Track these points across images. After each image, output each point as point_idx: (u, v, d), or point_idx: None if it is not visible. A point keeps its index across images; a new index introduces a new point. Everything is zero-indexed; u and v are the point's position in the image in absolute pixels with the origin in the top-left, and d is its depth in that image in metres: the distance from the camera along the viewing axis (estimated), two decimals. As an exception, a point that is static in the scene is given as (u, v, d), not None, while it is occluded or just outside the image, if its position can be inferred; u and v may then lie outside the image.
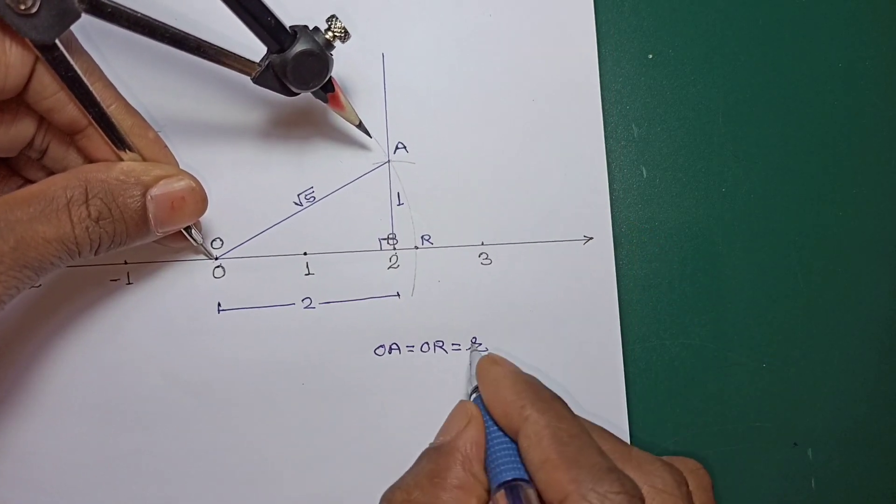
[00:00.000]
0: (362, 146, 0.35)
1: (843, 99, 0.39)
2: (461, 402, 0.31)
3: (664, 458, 0.28)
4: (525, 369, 0.34)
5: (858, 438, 0.38)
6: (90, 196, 0.27)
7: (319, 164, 0.35)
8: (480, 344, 0.35)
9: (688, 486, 0.26)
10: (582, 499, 0.24)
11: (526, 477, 0.27)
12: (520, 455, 0.27)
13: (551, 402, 0.28)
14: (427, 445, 0.30)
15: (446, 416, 0.32)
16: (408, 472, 0.29)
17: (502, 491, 0.26)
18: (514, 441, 0.28)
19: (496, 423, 0.29)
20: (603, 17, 0.37)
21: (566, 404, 0.28)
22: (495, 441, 0.28)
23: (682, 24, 0.38)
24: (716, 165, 0.38)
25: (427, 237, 0.35)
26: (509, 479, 0.26)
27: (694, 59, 0.38)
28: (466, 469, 0.27)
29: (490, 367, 0.31)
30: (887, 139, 0.39)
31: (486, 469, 0.28)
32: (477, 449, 0.28)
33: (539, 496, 0.26)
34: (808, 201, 0.38)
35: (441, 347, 0.35)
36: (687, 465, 0.28)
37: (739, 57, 0.38)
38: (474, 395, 0.32)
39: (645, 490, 0.25)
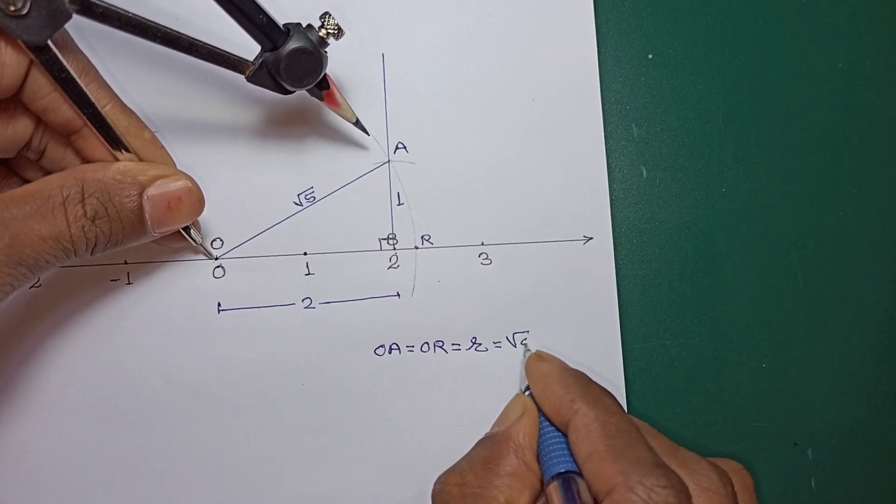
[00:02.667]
0: (362, 146, 0.34)
1: (843, 99, 0.38)
2: (517, 395, 0.31)
3: (708, 458, 0.28)
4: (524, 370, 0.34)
5: (858, 438, 0.37)
6: (86, 195, 0.26)
7: (319, 164, 0.34)
8: (527, 341, 0.34)
9: (733, 487, 0.26)
10: (629, 490, 0.24)
11: (577, 469, 0.27)
12: (570, 449, 0.27)
13: (600, 396, 0.28)
14: (482, 435, 0.31)
15: (447, 417, 0.32)
16: (463, 458, 0.29)
17: (555, 482, 0.26)
18: (565, 435, 0.28)
19: (547, 418, 0.29)
20: (603, 17, 0.37)
21: (615, 399, 0.28)
22: (547, 434, 0.28)
23: (682, 24, 0.38)
24: (716, 165, 0.37)
25: (427, 237, 0.34)
26: (562, 470, 0.27)
27: (694, 59, 0.37)
28: (520, 457, 0.28)
29: (538, 364, 0.31)
30: (887, 139, 0.38)
31: (538, 460, 0.28)
32: (530, 439, 0.28)
33: (588, 488, 0.26)
34: (808, 201, 0.38)
35: (441, 347, 0.34)
36: (730, 466, 0.28)
37: (739, 57, 0.38)
38: (527, 394, 0.31)
39: (691, 488, 0.25)
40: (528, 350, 0.34)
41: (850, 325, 0.37)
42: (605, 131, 0.36)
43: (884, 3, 0.39)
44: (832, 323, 0.37)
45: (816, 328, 0.37)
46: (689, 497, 0.24)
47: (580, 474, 0.26)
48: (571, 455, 0.27)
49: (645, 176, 0.37)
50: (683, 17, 0.38)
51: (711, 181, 0.37)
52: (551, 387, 0.29)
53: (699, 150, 0.37)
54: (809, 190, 0.38)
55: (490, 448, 0.28)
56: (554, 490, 0.26)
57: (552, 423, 0.29)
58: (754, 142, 0.38)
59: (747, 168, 0.37)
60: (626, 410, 0.28)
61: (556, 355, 0.34)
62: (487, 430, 0.31)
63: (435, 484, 0.28)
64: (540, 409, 0.29)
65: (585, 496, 0.26)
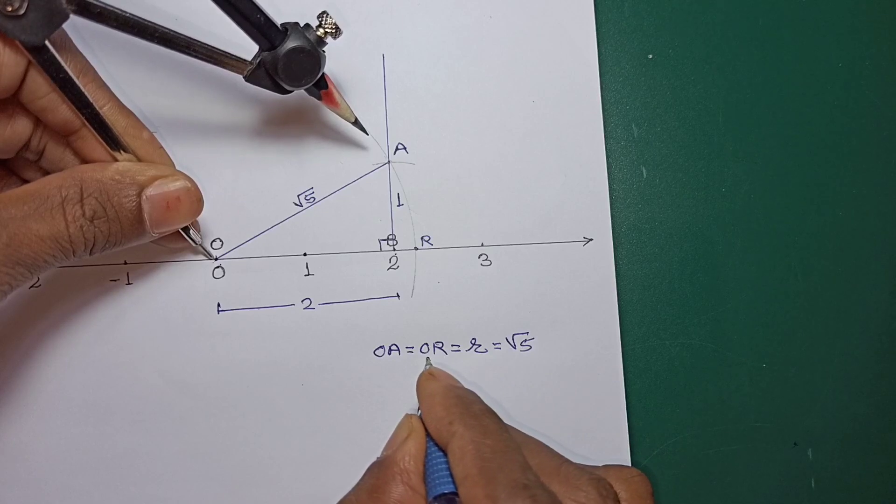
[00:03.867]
0: (362, 147, 0.34)
1: (843, 99, 0.38)
2: (405, 415, 0.31)
3: (600, 468, 0.28)
4: (524, 371, 0.34)
5: (858, 438, 0.37)
6: (85, 195, 0.26)
7: (319, 164, 0.34)
8: (428, 357, 0.34)
9: (615, 499, 0.26)
10: None
11: (456, 490, 0.26)
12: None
13: (479, 418, 0.27)
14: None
15: None
16: (352, 490, 0.28)
17: (434, 502, 0.26)
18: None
19: (431, 438, 0.29)
20: (603, 17, 0.36)
21: (497, 419, 0.28)
22: (432, 455, 0.28)
23: (682, 24, 0.37)
24: (716, 165, 0.37)
25: (427, 238, 0.34)
26: (444, 491, 0.26)
27: (694, 59, 0.37)
28: (405, 482, 0.27)
29: (426, 383, 0.31)
30: (887, 139, 0.38)
31: (425, 481, 0.28)
32: (416, 463, 0.28)
33: None
34: (808, 201, 0.37)
35: (441, 348, 0.34)
36: (623, 475, 0.28)
37: (739, 57, 0.37)
38: (420, 411, 0.31)
39: (567, 503, 0.25)
40: (429, 366, 0.33)
41: (850, 325, 0.37)
42: (605, 132, 0.36)
43: (884, 3, 0.39)
44: (832, 323, 0.37)
45: (816, 328, 0.37)
46: None
47: (458, 495, 0.26)
48: (452, 477, 0.27)
49: (645, 176, 0.37)
50: (683, 17, 0.37)
51: (711, 181, 0.37)
52: (434, 407, 0.29)
53: (699, 150, 0.37)
54: (809, 190, 0.37)
55: (377, 475, 0.28)
56: None
57: (436, 444, 0.28)
58: (754, 142, 0.37)
59: (747, 168, 0.37)
60: (510, 431, 0.28)
61: (556, 356, 0.34)
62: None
63: None
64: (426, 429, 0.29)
65: None
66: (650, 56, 0.37)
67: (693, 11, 0.37)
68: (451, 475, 0.26)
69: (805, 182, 0.37)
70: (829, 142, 0.38)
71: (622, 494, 0.27)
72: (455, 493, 0.26)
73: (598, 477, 0.26)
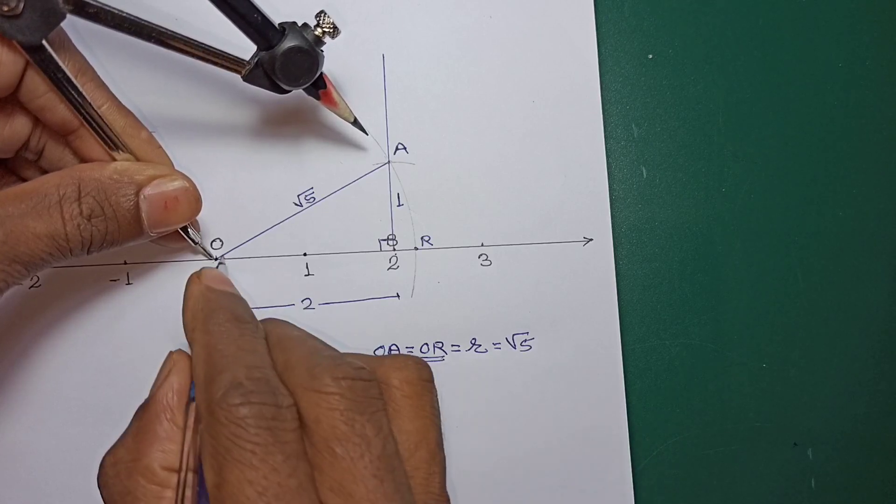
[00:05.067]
0: (362, 147, 0.34)
1: (843, 99, 0.38)
2: (168, 352, 0.29)
3: (373, 358, 0.27)
4: (524, 371, 0.34)
5: (858, 438, 0.37)
6: (83, 194, 0.26)
7: (319, 164, 0.34)
8: (221, 261, 0.33)
9: (361, 381, 0.24)
10: (210, 416, 0.23)
11: None
12: None
13: (221, 324, 0.26)
14: None
15: (446, 418, 0.31)
16: (120, 437, 0.27)
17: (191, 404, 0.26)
18: None
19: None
20: (603, 17, 0.36)
21: (240, 325, 0.26)
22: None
23: (682, 24, 0.37)
24: (716, 165, 0.37)
25: (427, 238, 0.34)
26: (192, 396, 0.26)
27: (694, 59, 0.37)
28: (169, 419, 0.26)
29: (188, 286, 0.28)
30: (887, 139, 0.38)
31: None
32: (179, 397, 0.26)
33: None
34: (808, 201, 0.37)
35: (441, 348, 0.34)
36: (395, 363, 0.27)
37: (739, 57, 0.37)
38: None
39: (304, 395, 0.24)
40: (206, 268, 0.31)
41: (850, 325, 0.37)
42: (605, 132, 0.35)
43: (884, 3, 0.38)
44: (832, 323, 0.37)
45: (816, 328, 0.37)
46: (280, 405, 0.23)
47: None
48: None
49: (645, 176, 0.36)
50: (683, 17, 0.37)
51: (711, 181, 0.37)
52: (185, 312, 0.27)
53: (699, 150, 0.37)
54: (809, 190, 0.37)
55: (141, 417, 0.26)
56: (190, 412, 0.26)
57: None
58: (754, 142, 0.37)
59: (747, 168, 0.37)
60: (259, 329, 0.26)
61: (555, 356, 0.34)
62: (486, 431, 0.31)
63: (99, 468, 0.26)
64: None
65: None
66: (650, 56, 0.37)
67: (693, 11, 0.37)
68: None
69: (805, 182, 0.37)
70: (829, 142, 0.37)
71: (389, 379, 0.26)
72: None
73: (337, 363, 0.25)
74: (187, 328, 0.27)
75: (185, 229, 0.31)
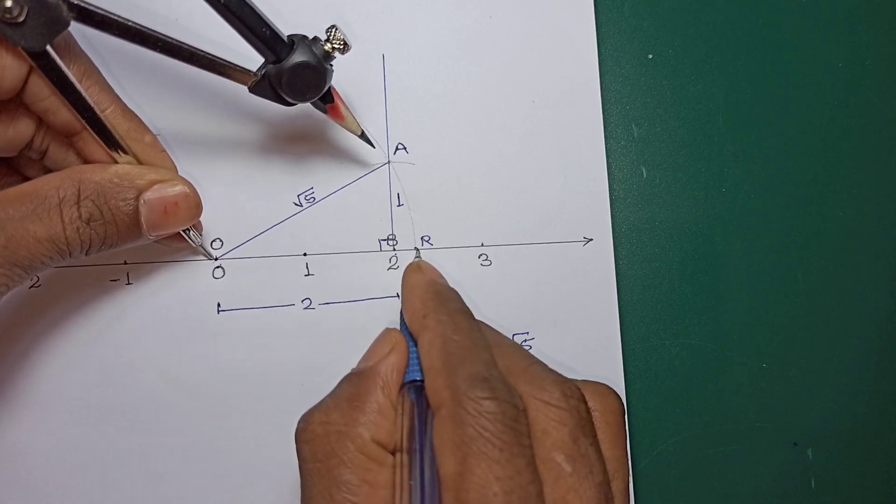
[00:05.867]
0: (362, 147, 0.34)
1: (843, 99, 0.38)
2: (385, 329, 0.29)
3: (572, 380, 0.27)
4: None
5: (858, 438, 0.37)
6: (82, 197, 0.26)
7: (319, 164, 0.34)
8: (419, 252, 0.33)
9: (584, 403, 0.25)
10: (456, 405, 0.23)
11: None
12: None
13: (453, 314, 0.26)
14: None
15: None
16: (328, 396, 0.27)
17: (408, 389, 0.26)
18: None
19: (406, 329, 0.28)
20: (603, 17, 0.36)
21: (471, 318, 0.27)
22: (411, 346, 0.28)
23: (682, 24, 0.37)
24: (716, 165, 0.36)
25: (427, 238, 0.34)
26: (409, 378, 0.26)
27: (694, 59, 0.37)
28: (386, 395, 0.26)
29: (410, 275, 0.30)
30: (887, 139, 0.38)
31: None
32: (398, 375, 0.27)
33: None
34: (808, 201, 0.37)
35: (440, 349, 0.33)
36: (598, 389, 0.27)
37: (739, 57, 0.37)
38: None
39: (531, 402, 0.24)
40: (418, 258, 0.33)
41: (850, 325, 0.37)
42: (605, 132, 0.35)
43: (884, 3, 0.38)
44: (832, 323, 0.37)
45: (816, 328, 0.37)
46: (518, 408, 0.23)
47: None
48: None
49: (645, 176, 0.36)
50: (683, 17, 0.37)
51: (711, 181, 0.36)
52: (413, 300, 0.28)
53: (699, 150, 0.37)
54: (809, 190, 0.37)
55: (357, 385, 0.26)
56: (404, 395, 0.26)
57: (410, 336, 0.28)
58: (754, 142, 0.37)
59: (747, 168, 0.37)
60: (483, 328, 0.27)
61: (556, 356, 0.34)
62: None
63: (298, 423, 0.26)
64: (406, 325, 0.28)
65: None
66: (650, 56, 0.37)
67: (693, 11, 0.37)
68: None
69: (805, 182, 0.37)
70: (829, 142, 0.37)
71: (593, 405, 0.26)
72: (422, 381, 0.26)
73: (564, 379, 0.25)
74: (416, 315, 0.27)
75: (185, 230, 0.31)
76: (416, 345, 0.27)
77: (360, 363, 0.28)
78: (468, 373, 0.23)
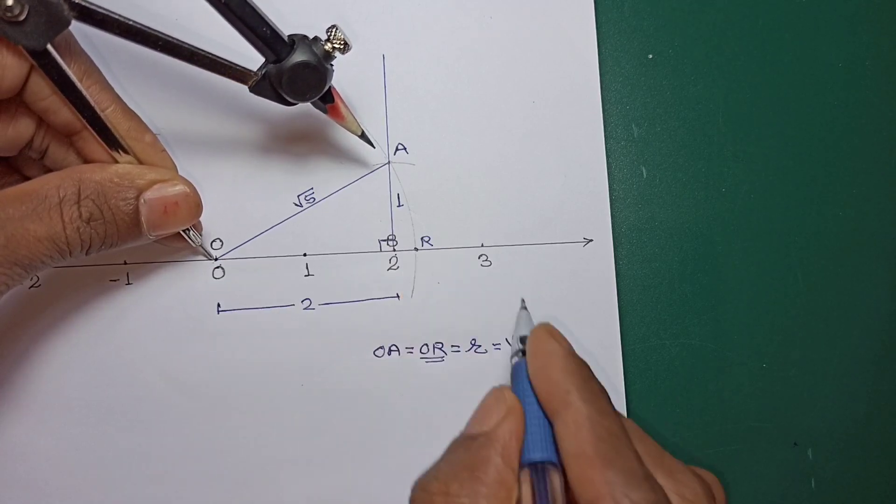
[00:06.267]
0: (362, 147, 0.34)
1: (843, 99, 0.37)
2: (496, 389, 0.28)
3: (691, 467, 0.27)
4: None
5: (858, 438, 0.36)
6: (82, 197, 0.26)
7: (319, 165, 0.34)
8: (525, 302, 0.33)
9: (714, 499, 0.25)
10: (615, 502, 0.22)
11: (556, 461, 0.25)
12: (554, 438, 0.25)
13: (598, 395, 0.26)
14: (458, 434, 0.28)
15: (446, 419, 0.31)
16: (443, 461, 0.26)
17: (528, 470, 0.25)
18: (551, 423, 0.26)
19: (537, 399, 0.26)
20: (603, 17, 0.36)
21: (610, 400, 0.26)
22: (531, 416, 0.26)
23: (682, 24, 0.37)
24: (716, 165, 0.36)
25: (427, 238, 0.34)
26: (538, 459, 0.25)
27: (694, 59, 0.37)
28: (507, 463, 0.25)
29: (545, 339, 0.28)
30: (887, 139, 0.38)
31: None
32: (517, 441, 0.25)
33: (565, 485, 0.24)
34: (808, 201, 0.37)
35: (440, 349, 0.33)
36: (708, 478, 0.27)
37: (739, 57, 0.37)
38: (516, 360, 0.29)
39: (674, 499, 0.24)
40: (525, 310, 0.32)
41: (850, 325, 0.37)
42: (605, 132, 0.35)
43: (884, 3, 0.38)
44: (832, 323, 0.37)
45: (816, 328, 0.36)
46: None
47: (556, 465, 0.25)
48: (553, 444, 0.25)
49: (645, 176, 0.36)
50: (683, 17, 0.37)
51: (711, 181, 0.36)
52: (550, 370, 0.26)
53: (699, 150, 0.36)
54: (809, 190, 0.37)
55: (475, 452, 0.25)
56: (526, 477, 0.25)
57: (540, 406, 0.26)
58: (754, 142, 0.37)
59: (747, 168, 0.37)
60: (619, 413, 0.27)
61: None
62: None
63: (414, 489, 0.26)
64: (531, 388, 0.27)
65: (557, 490, 0.24)
66: (650, 56, 0.37)
67: (693, 11, 0.37)
68: (553, 445, 0.25)
69: (805, 182, 0.37)
70: (829, 142, 0.37)
71: (717, 495, 0.26)
72: (553, 464, 0.24)
73: (700, 475, 0.25)
74: (556, 388, 0.26)
75: (185, 230, 0.31)
76: (545, 417, 0.26)
77: (471, 425, 0.27)
78: (625, 467, 0.23)
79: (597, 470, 0.23)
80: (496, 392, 0.27)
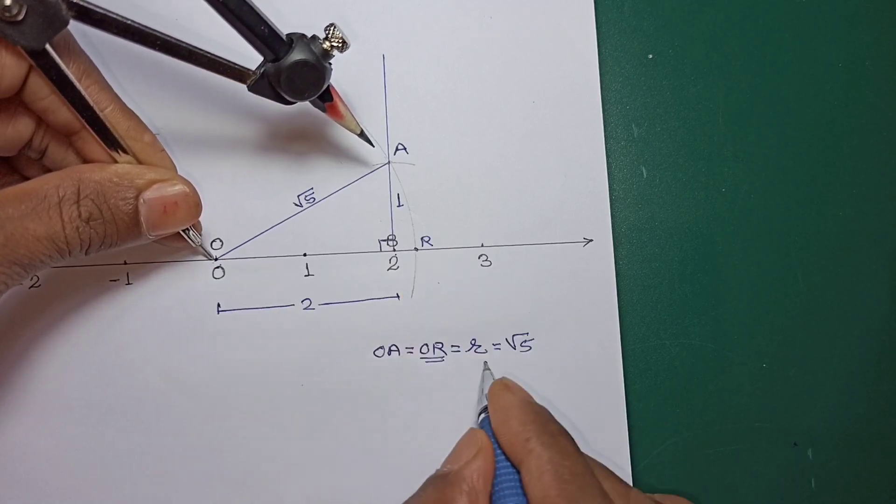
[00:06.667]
0: (362, 147, 0.34)
1: (843, 99, 0.37)
2: (471, 430, 0.30)
3: (657, 496, 0.28)
4: (524, 371, 0.34)
5: (858, 438, 0.36)
6: (82, 196, 0.26)
7: (319, 165, 0.33)
8: (486, 360, 0.33)
9: None
10: None
11: None
12: (522, 487, 0.26)
13: (557, 437, 0.27)
14: (434, 470, 0.29)
15: (446, 419, 0.31)
16: (412, 498, 0.27)
17: None
18: (519, 472, 0.27)
19: (502, 451, 0.28)
20: (603, 17, 0.36)
21: (572, 440, 0.27)
22: (501, 469, 0.27)
23: (682, 24, 0.37)
24: (716, 165, 0.36)
25: (427, 238, 0.34)
26: None
27: (694, 59, 0.37)
28: (472, 501, 0.26)
29: (501, 393, 0.30)
30: (887, 139, 0.38)
31: (490, 499, 0.27)
32: (484, 481, 0.27)
33: None
34: (808, 201, 0.37)
35: (440, 349, 0.33)
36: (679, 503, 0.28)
37: (739, 57, 0.37)
38: (482, 416, 0.30)
39: None
40: (489, 371, 0.33)
41: (850, 325, 0.37)
42: (605, 132, 0.35)
43: (884, 3, 0.38)
44: (832, 323, 0.37)
45: (816, 328, 0.36)
46: None
47: None
48: (523, 493, 0.26)
49: (645, 176, 0.36)
50: (683, 17, 0.37)
51: (711, 181, 0.36)
52: (509, 421, 0.28)
53: (699, 150, 0.36)
54: (809, 190, 0.37)
55: (442, 490, 0.27)
56: None
57: (507, 459, 0.27)
58: (754, 142, 0.37)
59: (747, 168, 0.37)
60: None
61: (555, 357, 0.34)
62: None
63: None
64: (496, 441, 0.28)
65: None
66: (650, 56, 0.37)
67: (693, 11, 0.37)
68: (523, 492, 0.26)
69: (805, 182, 0.37)
70: (829, 142, 0.37)
71: None
72: None
73: (668, 501, 0.26)
74: (516, 438, 0.27)
75: (185, 230, 0.31)
76: (514, 469, 0.27)
77: (444, 464, 0.29)
78: None
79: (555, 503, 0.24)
80: (471, 432, 0.29)
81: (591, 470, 0.26)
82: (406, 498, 0.28)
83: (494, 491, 0.27)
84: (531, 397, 0.30)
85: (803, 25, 0.37)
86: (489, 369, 0.33)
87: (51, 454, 0.31)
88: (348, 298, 0.33)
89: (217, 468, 0.32)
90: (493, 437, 0.28)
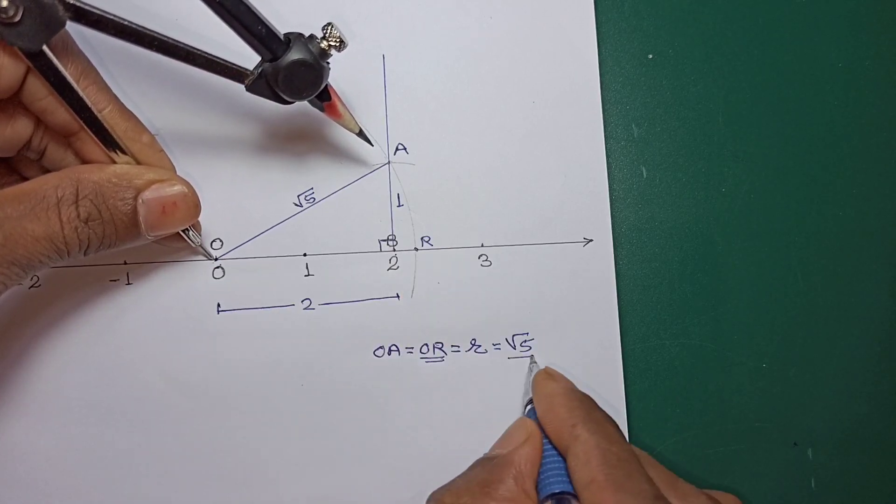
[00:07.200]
0: (362, 147, 0.33)
1: (843, 99, 0.37)
2: (521, 418, 0.30)
3: (706, 490, 0.28)
4: (524, 371, 0.33)
5: (858, 438, 0.36)
6: (80, 197, 0.26)
7: (319, 165, 0.33)
8: (532, 353, 0.33)
9: None
10: None
11: (572, 491, 0.26)
12: (568, 472, 0.26)
13: (603, 423, 0.27)
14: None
15: (446, 419, 0.31)
16: (460, 477, 0.28)
17: (549, 502, 0.26)
18: (565, 458, 0.27)
19: (548, 438, 0.28)
20: (603, 17, 0.36)
21: (618, 427, 0.27)
22: (547, 455, 0.28)
23: (682, 24, 0.37)
24: (716, 165, 0.36)
25: (427, 238, 0.34)
26: (556, 491, 0.26)
27: (694, 59, 0.37)
28: (519, 484, 0.26)
29: (545, 382, 0.30)
30: (887, 139, 0.37)
31: (536, 487, 0.27)
32: (531, 467, 0.27)
33: None
34: (808, 201, 0.37)
35: (440, 349, 0.33)
36: (727, 500, 0.28)
37: (739, 57, 0.37)
38: (528, 408, 0.31)
39: None
40: (535, 363, 0.33)
41: (850, 325, 0.37)
42: (605, 132, 0.35)
43: (884, 3, 0.38)
44: (832, 323, 0.36)
45: (816, 328, 0.36)
46: None
47: (574, 496, 0.26)
48: (569, 478, 0.26)
49: (645, 176, 0.36)
50: (683, 17, 0.37)
51: (711, 181, 0.36)
52: (555, 408, 0.28)
53: (699, 150, 0.36)
54: (809, 190, 0.37)
55: (490, 471, 0.27)
56: None
57: (553, 445, 0.28)
58: (754, 142, 0.37)
59: (747, 168, 0.36)
60: (626, 437, 0.28)
61: (555, 357, 0.33)
62: (485, 432, 0.30)
63: (429, 500, 0.27)
64: (542, 429, 0.28)
65: None
66: (650, 56, 0.36)
67: (693, 11, 0.37)
68: (569, 477, 0.26)
69: (805, 182, 0.37)
70: (829, 142, 0.37)
71: None
72: (571, 494, 0.26)
73: (714, 498, 0.26)
74: (563, 424, 0.27)
75: (185, 230, 0.30)
76: (559, 455, 0.27)
77: (493, 448, 0.29)
78: (635, 489, 0.24)
79: (608, 493, 0.24)
80: (520, 420, 0.30)
81: (636, 457, 0.26)
82: (406, 498, 0.28)
83: (541, 477, 0.27)
84: (574, 385, 0.30)
85: (803, 25, 0.37)
86: (535, 362, 0.33)
87: (51, 454, 0.31)
88: (348, 298, 0.33)
89: (217, 468, 0.32)
90: (539, 425, 0.29)
